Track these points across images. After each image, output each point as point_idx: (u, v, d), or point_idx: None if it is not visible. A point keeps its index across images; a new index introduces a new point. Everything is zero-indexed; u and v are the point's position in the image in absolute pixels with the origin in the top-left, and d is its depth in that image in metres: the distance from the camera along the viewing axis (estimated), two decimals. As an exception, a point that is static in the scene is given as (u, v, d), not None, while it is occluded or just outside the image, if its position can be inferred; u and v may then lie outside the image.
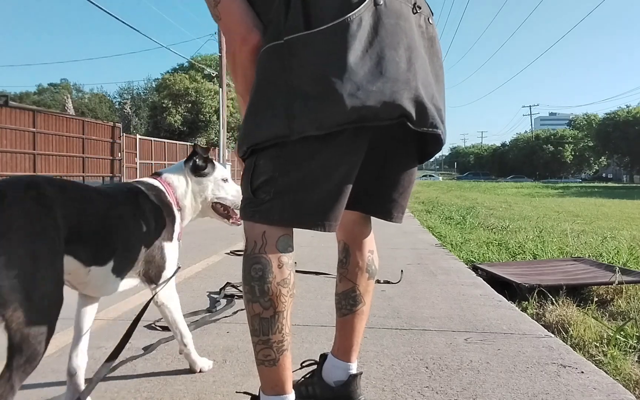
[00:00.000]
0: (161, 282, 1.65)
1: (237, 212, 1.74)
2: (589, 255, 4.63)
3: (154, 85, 39.77)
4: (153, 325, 2.35)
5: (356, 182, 1.23)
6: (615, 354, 2.08)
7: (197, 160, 1.81)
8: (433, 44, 1.25)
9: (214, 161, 1.86)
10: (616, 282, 3.12)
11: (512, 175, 68.84)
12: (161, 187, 1.72)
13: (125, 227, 1.51)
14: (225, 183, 1.84)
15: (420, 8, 1.22)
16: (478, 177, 72.92)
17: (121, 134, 20.42)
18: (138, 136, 23.10)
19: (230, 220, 1.84)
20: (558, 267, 3.94)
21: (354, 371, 1.47)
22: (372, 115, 1.09)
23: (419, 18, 1.22)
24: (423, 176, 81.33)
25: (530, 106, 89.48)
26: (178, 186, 1.77)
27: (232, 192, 1.84)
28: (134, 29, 16.05)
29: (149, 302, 1.62)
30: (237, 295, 2.92)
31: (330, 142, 1.13)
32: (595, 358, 2.10)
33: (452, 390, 1.69)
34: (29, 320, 1.11)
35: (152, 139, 23.77)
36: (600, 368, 1.95)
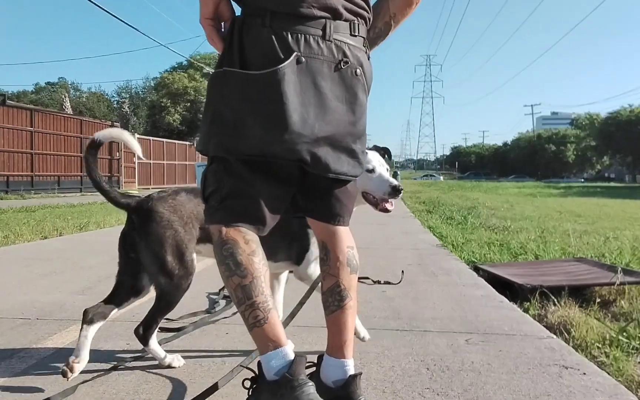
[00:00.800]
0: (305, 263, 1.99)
1: (385, 199, 1.85)
2: (592, 256, 4.61)
3: (152, 84, 39.84)
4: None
5: (297, 192, 1.46)
6: (617, 355, 2.07)
7: None
8: (356, 93, 1.41)
9: (365, 154, 1.91)
10: (618, 283, 3.11)
11: (513, 175, 68.77)
12: None
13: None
14: (370, 173, 1.85)
15: (347, 63, 1.38)
16: (479, 176, 72.87)
17: (121, 134, 20.42)
18: (136, 135, 23.10)
19: (378, 207, 1.86)
20: (560, 268, 3.92)
21: (351, 370, 1.45)
22: (273, 156, 1.33)
23: (345, 72, 1.38)
24: (424, 176, 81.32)
25: (532, 105, 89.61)
26: None
27: (376, 183, 1.85)
28: (133, 27, 16.00)
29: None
30: (236, 296, 2.90)
31: (248, 164, 1.35)
32: (598, 359, 2.09)
33: (453, 392, 1.67)
34: (168, 288, 1.83)
35: (151, 138, 23.81)
36: (602, 369, 1.93)
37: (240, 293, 1.34)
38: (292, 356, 1.31)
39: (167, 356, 1.90)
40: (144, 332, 1.85)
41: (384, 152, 1.99)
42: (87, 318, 1.82)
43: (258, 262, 1.35)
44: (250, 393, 1.38)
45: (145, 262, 1.82)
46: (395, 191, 1.82)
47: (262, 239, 1.51)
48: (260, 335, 1.33)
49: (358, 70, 1.40)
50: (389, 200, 1.84)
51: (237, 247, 1.34)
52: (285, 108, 1.30)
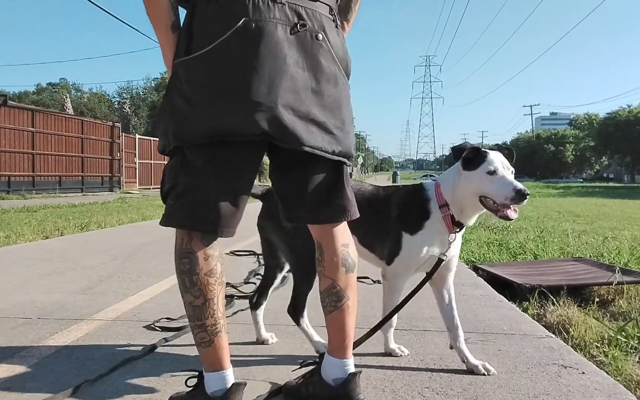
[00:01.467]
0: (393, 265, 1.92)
1: (506, 205, 1.70)
2: (590, 256, 4.62)
3: (153, 85, 39.79)
4: (153, 325, 2.35)
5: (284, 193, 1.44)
6: (616, 354, 2.08)
7: (466, 154, 1.80)
8: (318, 59, 1.30)
9: (486, 153, 1.78)
10: (616, 282, 3.11)
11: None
12: (428, 186, 1.92)
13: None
14: (491, 175, 1.72)
15: (305, 26, 1.28)
16: (478, 176, 72.70)
17: (120, 134, 20.43)
18: (137, 136, 23.10)
19: (498, 214, 1.72)
20: (559, 268, 3.93)
21: (351, 369, 1.46)
22: (228, 133, 1.24)
23: (303, 36, 1.28)
24: (423, 176, 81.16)
25: (531, 106, 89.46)
26: (444, 182, 1.87)
27: (497, 186, 1.71)
28: (134, 28, 16.02)
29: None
30: (236, 296, 2.91)
31: (203, 153, 1.28)
32: (597, 359, 2.09)
33: (453, 391, 1.68)
34: (300, 275, 1.95)
35: (152, 138, 23.74)
36: (601, 369, 1.94)
37: (190, 311, 1.35)
38: (230, 382, 1.35)
39: (317, 338, 2.00)
40: (294, 312, 1.97)
41: (508, 152, 1.84)
42: (253, 303, 2.12)
43: (214, 282, 1.33)
44: (189, 391, 1.43)
45: (276, 243, 2.00)
46: (520, 196, 1.65)
47: (362, 223, 1.61)
48: (204, 354, 1.37)
49: (320, 35, 1.30)
50: (512, 206, 1.68)
51: (195, 265, 1.31)
52: (235, 77, 1.23)
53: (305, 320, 1.98)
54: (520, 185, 1.66)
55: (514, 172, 1.76)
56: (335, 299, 1.43)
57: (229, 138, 1.25)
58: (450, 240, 1.84)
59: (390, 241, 1.90)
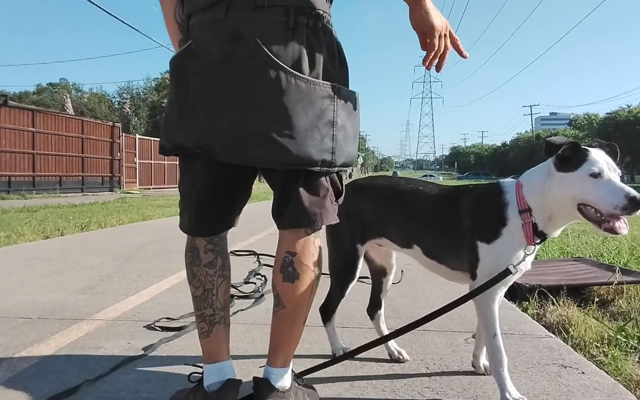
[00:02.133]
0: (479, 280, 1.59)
1: (615, 215, 1.38)
2: (590, 255, 4.62)
3: (153, 85, 39.79)
4: (153, 325, 2.35)
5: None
6: (616, 354, 2.08)
7: (563, 151, 1.47)
8: (255, 69, 1.24)
9: (587, 151, 1.45)
10: (616, 282, 3.12)
11: (512, 175, 68.65)
12: (507, 187, 1.62)
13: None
14: (595, 178, 1.41)
15: (240, 39, 1.24)
16: (478, 176, 72.97)
17: (120, 134, 20.43)
18: (137, 136, 23.11)
19: (602, 226, 1.40)
20: (559, 267, 3.93)
21: (275, 379, 1.34)
22: (183, 147, 1.35)
23: (240, 49, 1.24)
24: (423, 176, 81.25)
25: (530, 106, 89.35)
26: (529, 183, 1.57)
27: (603, 192, 1.39)
28: (134, 28, 16.02)
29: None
30: (236, 296, 2.91)
31: (183, 162, 1.42)
32: (596, 358, 2.10)
33: (453, 391, 1.68)
34: (333, 282, 1.90)
35: (152, 138, 23.76)
36: (601, 368, 1.94)
37: (193, 302, 1.43)
38: (228, 375, 1.36)
39: (337, 343, 1.98)
40: (324, 313, 1.94)
41: (610, 149, 1.51)
42: (369, 312, 2.12)
43: (213, 274, 1.40)
44: (192, 387, 1.44)
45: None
46: (634, 205, 1.32)
47: (426, 231, 1.62)
48: (204, 345, 1.41)
49: (251, 44, 1.23)
50: (621, 217, 1.36)
51: (196, 257, 1.41)
52: (180, 98, 1.33)
53: (332, 324, 1.97)
54: (633, 192, 1.34)
55: (620, 174, 1.45)
56: (275, 302, 1.38)
57: (183, 151, 1.38)
58: (528, 253, 1.54)
59: (467, 249, 1.62)
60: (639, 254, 4.51)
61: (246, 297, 2.92)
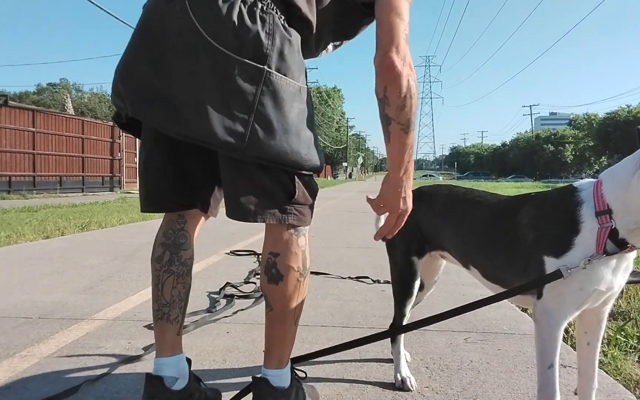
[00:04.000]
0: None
1: None
2: (590, 255, 4.61)
3: (154, 85, 39.65)
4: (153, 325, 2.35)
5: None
6: (615, 354, 2.08)
7: None
8: (173, 35, 1.19)
9: None
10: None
11: (512, 175, 68.91)
12: (583, 185, 1.32)
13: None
14: None
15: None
16: (478, 176, 72.97)
17: (121, 134, 20.40)
18: (138, 136, 23.06)
19: None
20: (558, 267, 3.92)
21: (271, 378, 1.33)
22: (122, 109, 1.28)
23: (172, 10, 1.18)
24: (423, 176, 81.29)
25: (530, 106, 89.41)
26: (611, 179, 1.26)
27: None
28: (134, 28, 15.98)
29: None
30: (237, 296, 2.92)
31: (137, 130, 1.39)
32: (596, 358, 2.10)
33: (453, 391, 1.68)
34: (394, 297, 1.78)
35: (153, 138, 23.67)
36: (600, 368, 1.94)
37: None
38: (159, 372, 1.36)
39: (402, 371, 1.73)
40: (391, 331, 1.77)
41: None
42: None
43: (159, 268, 1.39)
44: None
45: None
46: None
47: (483, 249, 1.46)
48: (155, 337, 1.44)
49: (178, 6, 1.18)
50: None
51: (152, 251, 1.42)
52: (136, 59, 1.26)
53: (397, 346, 1.75)
54: None
55: None
56: (265, 303, 1.36)
57: (122, 113, 1.32)
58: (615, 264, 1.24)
59: (533, 265, 1.34)
60: (638, 254, 4.51)
61: (246, 297, 2.92)
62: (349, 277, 3.49)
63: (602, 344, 2.24)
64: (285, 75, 1.21)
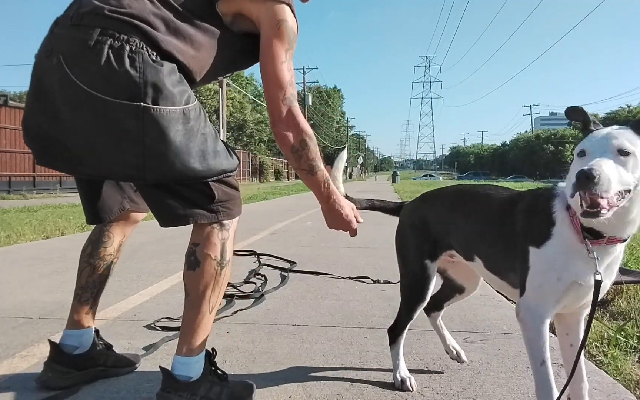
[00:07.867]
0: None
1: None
2: (590, 255, 4.61)
3: (154, 85, 39.61)
4: (153, 325, 2.35)
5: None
6: (615, 354, 2.08)
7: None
8: (57, 88, 1.29)
9: (591, 132, 1.26)
10: (615, 282, 3.12)
11: (512, 175, 68.94)
12: (561, 183, 1.38)
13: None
14: (579, 159, 1.22)
15: (50, 54, 1.31)
16: (478, 176, 73.01)
17: (121, 134, 20.40)
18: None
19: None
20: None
21: (177, 368, 1.45)
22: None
23: (50, 64, 1.30)
24: (423, 176, 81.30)
25: (530, 106, 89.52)
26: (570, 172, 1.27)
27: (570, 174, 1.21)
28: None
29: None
30: (236, 296, 2.92)
31: None
32: (596, 358, 2.10)
33: (453, 391, 1.69)
34: (402, 301, 1.77)
35: (153, 138, 23.67)
36: (600, 368, 1.94)
37: None
38: (62, 341, 1.67)
39: (401, 372, 1.72)
40: (391, 334, 1.76)
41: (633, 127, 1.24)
42: (425, 310, 1.85)
43: (81, 257, 1.78)
44: None
45: None
46: (580, 179, 1.11)
47: (485, 241, 1.51)
48: None
49: (54, 60, 1.29)
50: (590, 196, 1.12)
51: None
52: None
53: (397, 347, 1.74)
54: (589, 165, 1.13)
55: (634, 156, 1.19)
56: (185, 291, 1.45)
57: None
58: (593, 256, 1.24)
59: (518, 261, 1.38)
60: (638, 254, 4.50)
61: (246, 297, 2.92)
62: (349, 277, 3.48)
63: (602, 343, 2.25)
64: (165, 105, 1.29)
